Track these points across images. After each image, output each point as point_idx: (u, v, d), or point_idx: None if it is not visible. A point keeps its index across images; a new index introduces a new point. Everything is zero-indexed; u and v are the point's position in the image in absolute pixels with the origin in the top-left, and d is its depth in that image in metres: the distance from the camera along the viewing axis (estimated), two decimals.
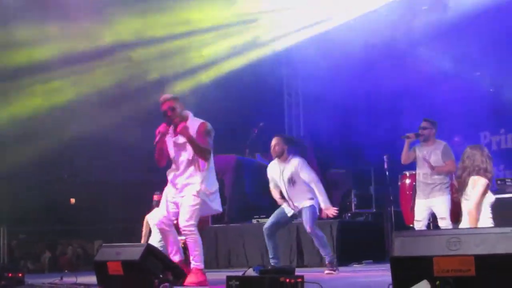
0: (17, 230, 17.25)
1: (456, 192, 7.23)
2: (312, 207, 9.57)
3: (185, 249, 8.22)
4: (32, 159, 13.84)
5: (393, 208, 11.32)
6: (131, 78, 13.77)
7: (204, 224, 12.31)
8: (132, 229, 13.21)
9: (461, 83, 12.64)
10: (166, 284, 6.89)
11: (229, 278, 6.06)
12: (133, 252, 7.13)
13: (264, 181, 10.24)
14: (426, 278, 4.92)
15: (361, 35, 12.94)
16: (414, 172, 10.03)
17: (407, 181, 10.89)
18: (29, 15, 12.46)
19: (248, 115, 14.81)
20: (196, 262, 7.56)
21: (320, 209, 9.62)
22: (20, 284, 8.63)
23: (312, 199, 9.59)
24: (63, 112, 13.50)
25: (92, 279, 7.86)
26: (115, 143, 13.04)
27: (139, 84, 13.74)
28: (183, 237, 7.87)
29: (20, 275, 8.76)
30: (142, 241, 11.16)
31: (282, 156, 9.67)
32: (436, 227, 9.37)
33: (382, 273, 8.36)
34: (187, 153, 7.69)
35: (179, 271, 7.38)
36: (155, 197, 11.02)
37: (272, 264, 9.58)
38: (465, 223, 7.04)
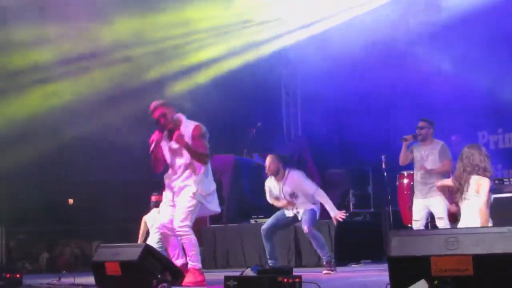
0: (15, 231, 17.20)
1: (456, 192, 7.21)
2: (312, 210, 9.59)
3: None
4: (30, 159, 13.83)
5: (391, 208, 11.33)
6: (130, 78, 13.76)
7: (201, 224, 12.32)
8: (131, 230, 13.18)
9: (459, 83, 12.62)
10: (164, 284, 6.89)
11: (227, 278, 6.07)
12: (131, 252, 7.13)
13: (262, 181, 10.25)
14: (424, 278, 4.92)
15: (359, 34, 12.95)
16: (412, 172, 10.05)
17: (405, 180, 10.89)
18: (28, 15, 12.45)
19: (246, 115, 14.80)
20: (193, 262, 7.56)
21: (325, 212, 9.69)
22: (18, 284, 8.62)
23: (314, 204, 9.63)
24: (62, 113, 13.49)
25: (90, 279, 7.86)
26: (114, 144, 13.02)
27: (138, 84, 13.73)
28: None
29: (18, 275, 8.74)
30: (139, 241, 11.14)
31: (278, 175, 9.69)
32: (434, 227, 9.37)
33: (380, 273, 8.37)
34: (184, 158, 7.69)
35: (177, 271, 7.39)
36: (153, 198, 11.01)
37: (270, 264, 9.60)
38: (463, 223, 7.04)
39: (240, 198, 13.66)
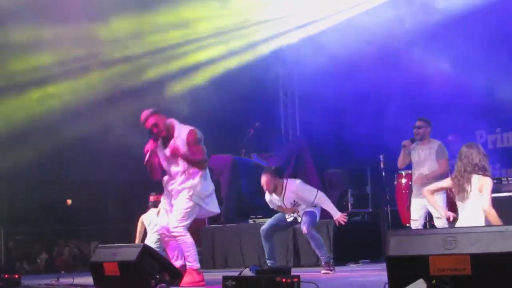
0: (14, 231, 17.21)
1: (458, 193, 7.19)
2: (312, 211, 9.61)
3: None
4: (30, 159, 13.83)
5: (389, 208, 11.33)
6: (129, 78, 13.76)
7: (200, 224, 12.32)
8: (130, 230, 13.19)
9: (457, 83, 12.62)
10: (163, 284, 6.90)
11: (225, 278, 6.07)
12: (129, 252, 7.13)
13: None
14: (422, 277, 4.93)
15: (356, 34, 12.94)
16: (410, 172, 10.06)
17: (403, 180, 10.90)
18: (27, 16, 12.45)
19: (244, 115, 14.81)
20: (190, 262, 7.57)
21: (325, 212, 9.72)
22: (17, 285, 8.63)
23: (315, 206, 9.65)
24: (61, 113, 13.49)
25: (89, 280, 7.86)
26: (112, 144, 13.02)
27: (137, 84, 13.73)
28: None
29: (16, 276, 8.75)
30: (136, 241, 11.15)
31: (277, 190, 9.68)
32: (433, 226, 9.38)
33: (378, 273, 8.37)
34: (180, 165, 7.70)
35: (176, 272, 7.39)
36: (151, 198, 11.02)
37: (268, 264, 9.60)
38: (466, 222, 7.01)
39: (239, 198, 13.66)
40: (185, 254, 7.58)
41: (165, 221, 7.77)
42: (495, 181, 9.83)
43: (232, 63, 14.14)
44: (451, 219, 7.36)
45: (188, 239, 7.59)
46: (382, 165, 10.90)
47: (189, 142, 7.62)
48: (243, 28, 14.00)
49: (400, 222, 10.88)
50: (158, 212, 9.81)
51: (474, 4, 12.15)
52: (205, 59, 14.21)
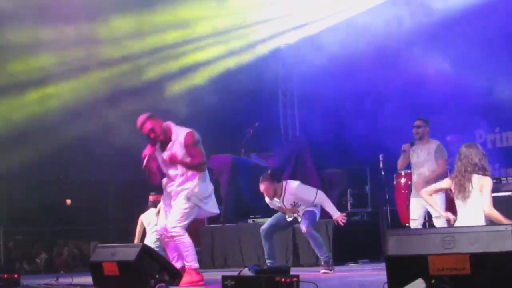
0: (14, 231, 17.21)
1: (458, 193, 7.18)
2: (312, 211, 9.62)
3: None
4: (29, 160, 13.84)
5: (388, 207, 11.33)
6: (129, 78, 13.76)
7: (199, 224, 12.31)
8: (129, 230, 13.19)
9: (456, 82, 12.64)
10: (162, 284, 6.90)
11: (224, 278, 6.07)
12: (128, 252, 7.13)
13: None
14: (421, 277, 4.93)
15: (355, 34, 12.95)
16: (409, 171, 10.08)
17: (403, 180, 10.90)
18: (26, 17, 12.45)
19: (244, 115, 14.81)
20: (188, 262, 7.57)
21: (324, 212, 9.73)
22: (16, 285, 8.63)
23: (315, 206, 9.66)
24: (61, 113, 13.49)
25: (88, 279, 7.86)
26: (112, 144, 13.03)
27: (137, 84, 13.74)
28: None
29: (15, 276, 8.75)
30: (135, 240, 11.15)
31: (277, 193, 9.69)
32: (432, 226, 9.38)
33: (378, 272, 8.36)
34: (179, 169, 7.70)
35: (175, 272, 7.39)
36: (151, 198, 11.02)
37: (268, 264, 9.60)
38: (466, 222, 7.01)
39: (238, 198, 13.66)
40: (184, 254, 7.58)
41: (165, 222, 7.78)
42: (494, 180, 9.84)
43: (231, 63, 14.16)
44: (452, 221, 7.34)
45: (186, 239, 7.59)
46: (381, 165, 10.91)
47: (187, 145, 7.61)
48: (242, 28, 14.01)
49: (399, 221, 10.89)
50: (158, 212, 9.80)
51: (473, 4, 12.16)
52: (204, 59, 14.22)
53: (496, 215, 6.95)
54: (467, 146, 7.34)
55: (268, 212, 10.68)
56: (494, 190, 9.16)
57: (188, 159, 7.61)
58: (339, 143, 13.82)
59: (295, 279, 5.87)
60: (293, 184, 9.71)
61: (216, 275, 8.03)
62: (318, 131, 14.10)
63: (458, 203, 7.19)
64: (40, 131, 13.52)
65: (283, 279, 5.77)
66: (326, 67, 13.29)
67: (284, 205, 9.69)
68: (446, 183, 7.44)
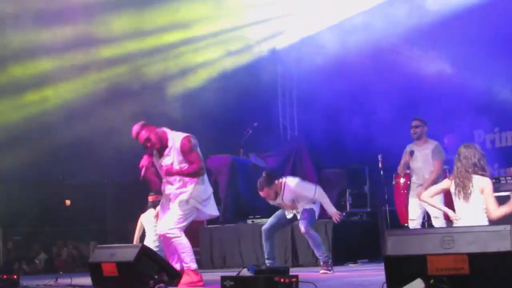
0: (13, 232, 17.22)
1: (459, 194, 7.18)
2: (311, 209, 9.63)
3: None
4: (28, 160, 13.83)
5: (387, 207, 11.32)
6: (127, 79, 13.76)
7: (198, 224, 12.31)
8: (128, 231, 13.20)
9: (455, 82, 12.64)
10: (161, 285, 6.90)
11: (223, 278, 6.06)
12: (127, 253, 7.13)
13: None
14: (420, 277, 4.93)
15: (355, 35, 12.95)
16: (408, 171, 10.06)
17: (402, 180, 10.87)
18: (25, 19, 12.45)
19: (242, 115, 14.81)
20: (186, 263, 7.56)
21: (323, 211, 9.74)
22: (15, 286, 8.62)
23: (314, 203, 9.67)
24: (59, 114, 13.49)
25: (87, 280, 7.86)
26: (111, 145, 13.03)
27: (135, 85, 13.74)
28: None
29: (14, 277, 8.74)
30: (134, 241, 11.14)
31: (278, 194, 9.73)
32: (431, 226, 9.38)
33: (377, 272, 8.35)
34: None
35: (174, 272, 7.39)
36: (150, 198, 11.01)
37: (267, 264, 9.60)
38: (467, 222, 7.00)
39: (237, 198, 13.65)
40: (181, 256, 7.57)
41: (163, 223, 7.78)
42: (493, 180, 9.85)
43: (230, 63, 14.15)
44: (453, 218, 7.33)
45: (184, 240, 7.58)
46: (380, 165, 10.89)
47: (183, 150, 7.58)
48: (241, 28, 14.00)
49: (398, 221, 10.88)
50: (156, 215, 9.78)
51: (473, 4, 12.16)
52: (203, 60, 14.22)
53: (503, 212, 6.97)
54: (466, 146, 7.34)
55: (267, 212, 10.69)
56: (494, 190, 9.17)
57: (185, 167, 7.60)
58: (338, 143, 13.82)
59: (294, 279, 5.87)
60: (293, 182, 9.72)
61: (215, 275, 8.04)
62: (317, 131, 14.11)
63: (458, 203, 7.19)
64: (39, 132, 13.52)
65: (282, 280, 5.77)
66: (325, 67, 13.30)
67: (283, 201, 9.72)
68: (446, 183, 7.43)
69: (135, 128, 7.64)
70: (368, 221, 12.99)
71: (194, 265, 7.60)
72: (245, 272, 6.32)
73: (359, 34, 12.95)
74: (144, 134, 7.58)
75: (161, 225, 7.77)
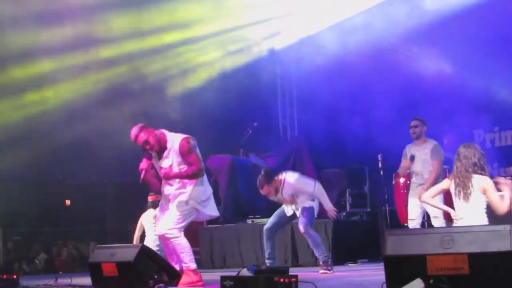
0: (12, 232, 17.22)
1: (459, 193, 7.18)
2: (310, 208, 9.64)
3: None
4: (28, 161, 13.83)
5: (387, 207, 11.33)
6: (127, 79, 13.76)
7: (198, 224, 12.31)
8: (128, 231, 13.20)
9: (455, 82, 12.65)
10: (161, 285, 6.91)
11: (223, 278, 6.06)
12: (127, 253, 7.13)
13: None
14: (419, 277, 4.93)
15: (354, 35, 12.95)
16: (408, 171, 10.07)
17: (401, 180, 10.89)
18: (25, 20, 12.45)
19: (242, 115, 14.82)
20: (185, 263, 7.56)
21: (324, 210, 9.74)
22: (15, 286, 8.63)
23: (313, 200, 9.69)
24: (59, 114, 13.49)
25: (87, 280, 7.86)
26: (111, 145, 13.03)
27: (135, 86, 13.74)
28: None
29: (14, 277, 8.75)
30: (134, 241, 11.14)
31: (278, 190, 9.74)
32: (431, 226, 9.38)
33: (377, 272, 8.35)
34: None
35: (174, 272, 7.39)
36: (150, 198, 11.01)
37: (267, 264, 9.61)
38: (468, 221, 7.00)
39: (237, 198, 13.66)
40: (180, 256, 7.58)
41: (162, 224, 7.78)
42: (493, 180, 9.86)
43: (230, 63, 14.15)
44: (456, 221, 7.32)
45: (183, 240, 7.59)
46: (380, 165, 10.90)
47: (182, 152, 7.58)
48: (241, 29, 14.00)
49: (398, 221, 10.88)
50: (155, 217, 9.78)
51: (472, 4, 12.16)
52: (203, 60, 14.22)
53: (507, 205, 6.99)
54: (466, 146, 7.34)
55: (267, 212, 10.69)
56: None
57: (184, 168, 7.60)
58: (337, 143, 13.82)
59: (293, 279, 5.87)
60: (292, 178, 9.74)
61: (215, 275, 8.04)
62: (316, 131, 14.12)
63: (458, 203, 7.19)
64: (39, 132, 13.52)
65: (281, 279, 5.77)
66: (325, 67, 13.29)
67: (282, 196, 9.74)
68: (445, 183, 7.43)
69: (134, 130, 7.64)
70: (368, 221, 13.00)
71: (193, 265, 7.60)
72: (245, 272, 6.33)
73: (359, 34, 12.96)
74: (142, 136, 7.58)
75: (160, 226, 7.77)
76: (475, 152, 7.22)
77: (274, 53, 14.77)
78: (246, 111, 14.84)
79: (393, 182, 11.16)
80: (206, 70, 14.27)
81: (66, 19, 12.70)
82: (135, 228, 11.28)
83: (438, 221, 8.95)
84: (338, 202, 12.54)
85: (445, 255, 4.92)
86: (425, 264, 4.95)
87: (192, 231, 11.12)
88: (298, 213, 9.71)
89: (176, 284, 7.30)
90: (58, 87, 13.65)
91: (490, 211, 7.15)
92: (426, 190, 8.46)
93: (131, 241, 11.28)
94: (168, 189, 7.74)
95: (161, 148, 7.66)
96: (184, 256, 7.56)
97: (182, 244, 7.58)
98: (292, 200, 9.75)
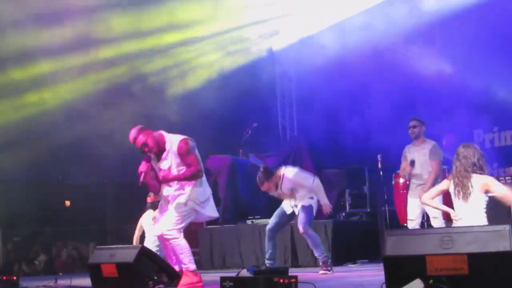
0: (12, 233, 17.20)
1: (459, 193, 7.18)
2: (309, 207, 9.65)
3: None
4: (27, 161, 13.82)
5: (387, 208, 11.33)
6: (127, 80, 13.76)
7: (198, 225, 12.31)
8: (128, 231, 13.18)
9: (455, 82, 12.64)
10: (161, 285, 6.91)
11: (223, 279, 6.07)
12: (127, 254, 7.14)
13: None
14: (419, 277, 4.93)
15: (354, 35, 12.95)
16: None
17: (401, 180, 10.89)
18: (24, 21, 12.45)
19: (242, 116, 14.81)
20: (185, 264, 7.56)
21: (320, 207, 9.76)
22: (15, 287, 8.62)
23: (312, 198, 9.70)
24: (58, 115, 13.49)
25: (87, 281, 7.86)
26: (110, 145, 13.03)
27: (135, 86, 13.74)
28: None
29: (14, 278, 8.75)
30: (133, 242, 11.14)
31: (278, 187, 9.78)
32: (430, 226, 9.38)
33: (376, 273, 8.36)
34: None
35: (174, 273, 7.39)
36: (149, 199, 11.01)
37: (267, 265, 9.61)
38: (468, 221, 6.99)
39: (237, 198, 13.65)
40: (180, 257, 7.58)
41: (161, 225, 7.78)
42: None
43: (229, 63, 14.16)
44: (456, 221, 7.31)
45: (182, 241, 7.59)
46: (379, 165, 10.91)
47: (181, 154, 7.58)
48: (240, 29, 14.00)
49: (398, 221, 10.88)
50: (154, 218, 9.78)
51: (471, 4, 12.17)
52: (203, 60, 14.22)
53: None
54: (465, 146, 7.34)
55: (267, 212, 10.68)
56: None
57: (183, 170, 7.60)
58: (337, 143, 13.83)
59: (293, 280, 5.88)
60: (291, 172, 9.77)
61: (214, 276, 8.04)
62: (316, 132, 14.12)
63: (457, 203, 7.18)
64: (38, 132, 13.51)
65: (281, 280, 5.78)
66: (325, 67, 13.30)
67: (281, 190, 9.75)
68: (445, 184, 7.43)
69: (132, 133, 7.64)
70: (368, 221, 12.99)
71: (193, 266, 7.60)
72: (244, 273, 6.33)
73: (359, 34, 12.96)
74: (141, 139, 7.58)
75: (159, 227, 7.77)
76: (475, 152, 7.22)
77: (273, 53, 14.77)
78: (245, 112, 14.84)
79: (393, 182, 11.16)
80: (206, 71, 14.27)
81: (66, 20, 12.70)
82: (135, 228, 11.29)
83: (437, 222, 8.94)
84: (337, 203, 12.54)
85: (444, 255, 4.92)
86: (425, 265, 4.95)
87: (192, 232, 11.13)
88: (297, 211, 9.71)
89: (176, 285, 7.30)
90: (58, 88, 13.64)
91: (490, 211, 7.15)
92: (426, 191, 8.46)
93: (131, 242, 11.28)
94: (167, 190, 7.74)
95: (159, 150, 7.66)
96: (184, 257, 7.56)
97: (181, 245, 7.58)
98: (291, 195, 9.77)
